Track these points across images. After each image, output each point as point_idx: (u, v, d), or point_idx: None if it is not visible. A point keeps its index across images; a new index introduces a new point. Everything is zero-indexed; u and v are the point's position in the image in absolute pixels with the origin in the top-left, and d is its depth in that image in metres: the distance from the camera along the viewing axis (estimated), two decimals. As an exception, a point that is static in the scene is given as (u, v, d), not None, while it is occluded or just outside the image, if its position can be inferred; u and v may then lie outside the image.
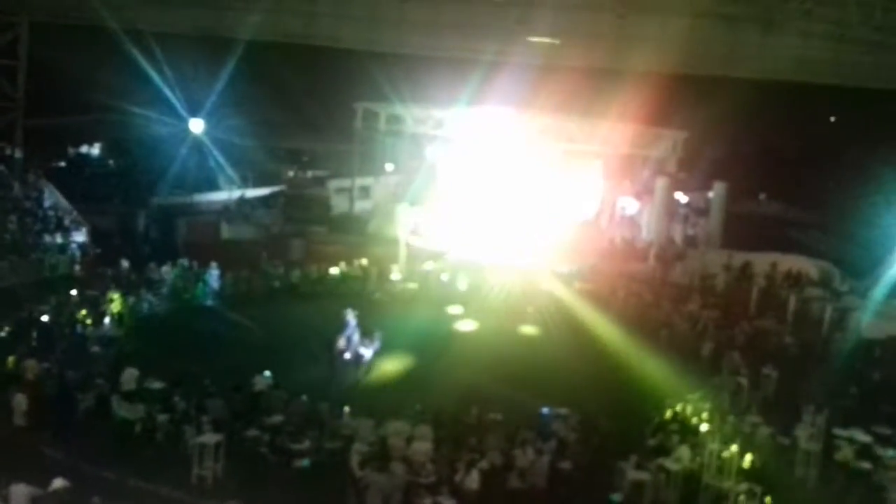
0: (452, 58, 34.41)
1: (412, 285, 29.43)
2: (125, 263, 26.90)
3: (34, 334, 20.15)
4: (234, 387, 17.57)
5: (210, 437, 15.11)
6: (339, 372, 19.90)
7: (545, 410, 17.35)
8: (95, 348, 20.14)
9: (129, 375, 17.48)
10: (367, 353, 20.46)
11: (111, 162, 46.92)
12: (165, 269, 26.81)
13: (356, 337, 20.60)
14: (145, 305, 24.77)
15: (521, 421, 16.91)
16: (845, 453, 16.77)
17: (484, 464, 14.77)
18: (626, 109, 35.48)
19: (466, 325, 26.00)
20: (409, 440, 15.55)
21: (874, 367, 22.67)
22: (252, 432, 16.14)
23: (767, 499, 14.53)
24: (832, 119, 46.04)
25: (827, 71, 30.85)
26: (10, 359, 17.67)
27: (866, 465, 16.43)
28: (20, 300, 22.24)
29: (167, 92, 36.81)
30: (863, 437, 17.50)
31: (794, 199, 43.82)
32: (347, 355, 20.34)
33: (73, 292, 23.66)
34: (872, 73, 29.95)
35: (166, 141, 40.09)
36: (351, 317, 21.02)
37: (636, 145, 39.39)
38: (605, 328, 25.60)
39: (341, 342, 20.43)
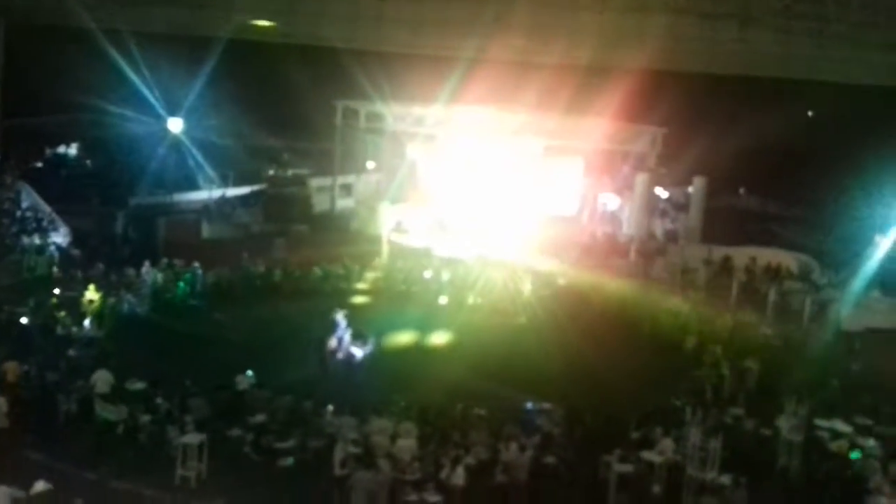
0: (432, 55, 34.42)
1: (395, 283, 29.37)
2: (101, 266, 26.72)
3: (13, 336, 19.92)
4: (216, 386, 17.49)
5: (193, 437, 15.03)
6: (329, 372, 19.80)
7: (529, 405, 17.42)
8: (74, 350, 19.92)
9: (103, 377, 17.26)
10: (358, 353, 20.41)
11: (89, 162, 46.42)
12: (145, 269, 26.59)
13: (347, 337, 20.58)
14: (125, 306, 24.55)
15: (505, 416, 16.96)
16: (840, 444, 16.94)
17: (469, 459, 14.79)
18: (606, 106, 35.57)
19: (449, 322, 25.98)
20: (394, 437, 15.54)
21: (854, 359, 22.91)
22: (235, 432, 16.09)
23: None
24: (810, 114, 46.45)
25: (804, 67, 31.16)
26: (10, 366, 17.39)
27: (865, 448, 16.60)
28: (-2, 302, 21.98)
29: (145, 91, 36.55)
30: (844, 427, 17.68)
31: (773, 194, 44.17)
32: (339, 355, 20.31)
33: (54, 293, 23.44)
34: (850, 69, 30.27)
35: (145, 140, 39.79)
36: (341, 317, 21.03)
37: (616, 141, 39.54)
38: (588, 323, 25.70)
39: (332, 343, 20.43)
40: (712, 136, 39.11)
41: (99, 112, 41.38)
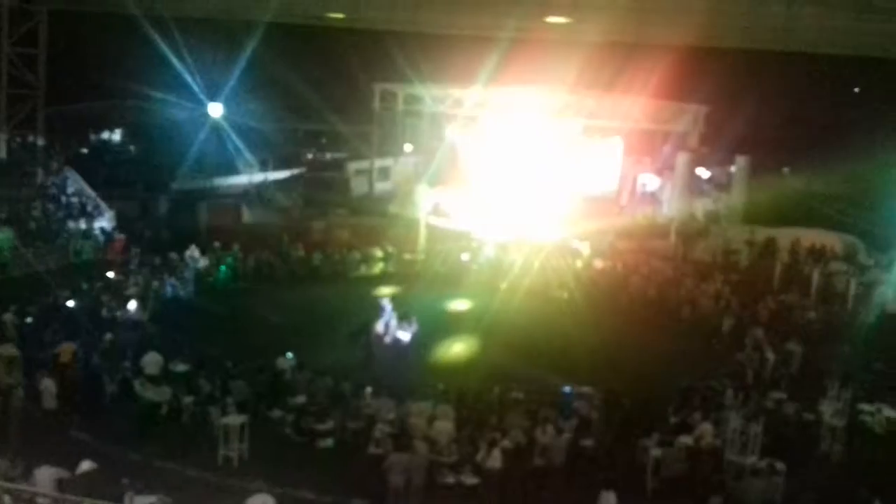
0: (470, 36, 34.23)
1: (433, 265, 29.44)
2: (135, 251, 27.17)
3: (60, 319, 20.40)
4: (257, 368, 17.73)
5: (235, 419, 15.26)
6: (376, 357, 19.97)
7: (567, 389, 17.35)
8: (120, 333, 20.33)
9: (152, 359, 17.68)
10: (405, 336, 20.56)
11: (132, 147, 47.20)
12: (190, 252, 26.99)
13: (393, 322, 20.75)
14: (169, 289, 24.99)
15: (543, 399, 16.93)
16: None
17: (506, 442, 14.81)
18: (646, 84, 35.11)
19: (487, 305, 25.98)
20: (431, 420, 15.62)
21: (900, 342, 22.44)
22: (276, 413, 16.32)
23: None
24: (856, 90, 45.32)
25: (849, 41, 30.40)
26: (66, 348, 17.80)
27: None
28: (46, 286, 22.47)
29: (186, 76, 36.92)
30: (889, 411, 17.34)
31: (818, 172, 43.21)
32: (387, 339, 20.53)
33: (100, 277, 23.93)
34: (895, 43, 29.45)
35: (186, 125, 40.26)
36: (387, 303, 21.29)
37: (656, 120, 39.00)
38: (628, 305, 25.51)
39: (380, 328, 20.69)
40: (755, 114, 38.41)
41: (141, 98, 42.02)
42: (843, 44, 31.03)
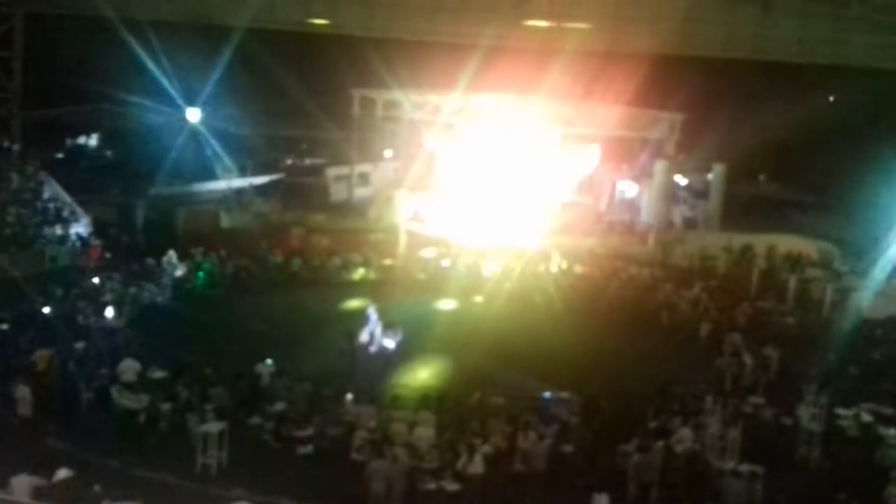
0: (449, 43, 34.34)
1: (412, 271, 29.42)
2: (112, 257, 26.84)
3: (36, 326, 20.13)
4: (236, 375, 17.62)
5: (213, 426, 15.16)
6: (361, 365, 19.79)
7: (547, 394, 17.41)
8: (96, 339, 20.11)
9: (129, 366, 17.50)
10: (390, 344, 20.48)
11: (109, 152, 46.74)
12: (167, 259, 26.78)
13: (378, 330, 20.67)
14: (146, 295, 24.78)
15: (523, 405, 16.96)
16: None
17: (486, 448, 14.82)
18: (624, 92, 35.34)
19: (466, 311, 26.01)
20: (412, 426, 15.59)
21: (875, 347, 22.69)
22: (255, 420, 16.22)
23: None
24: (831, 99, 45.85)
25: (825, 50, 30.84)
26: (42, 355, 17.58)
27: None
28: (21, 292, 22.19)
29: (164, 81, 36.69)
30: (865, 416, 17.54)
31: (794, 180, 43.69)
32: (372, 349, 20.41)
33: (76, 283, 23.68)
34: (871, 53, 29.94)
35: (164, 130, 39.96)
36: (372, 311, 21.15)
37: (634, 128, 39.25)
38: (607, 311, 25.63)
39: (365, 336, 20.53)
40: (731, 123, 38.76)
41: (118, 102, 41.64)
42: (818, 53, 31.49)
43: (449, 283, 28.40)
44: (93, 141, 47.36)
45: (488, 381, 18.23)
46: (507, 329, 23.48)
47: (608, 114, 37.81)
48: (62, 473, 12.14)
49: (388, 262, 30.00)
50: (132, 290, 24.15)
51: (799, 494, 13.78)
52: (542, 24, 30.56)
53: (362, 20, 33.62)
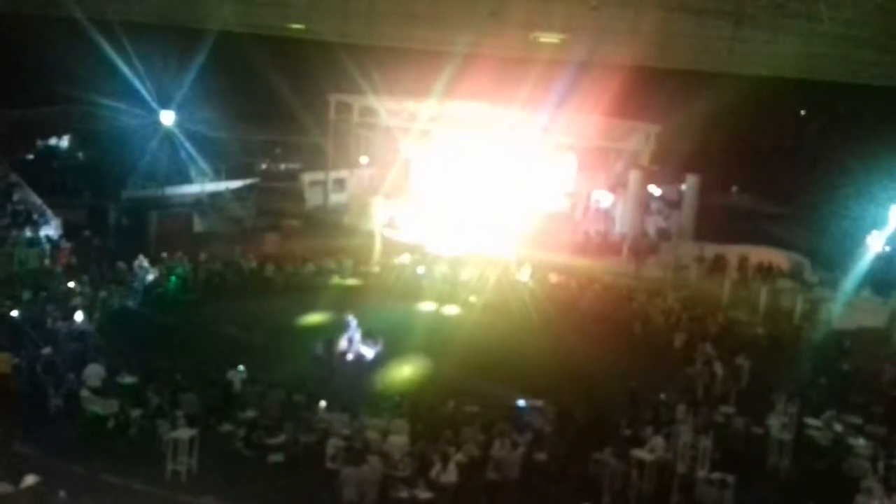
0: (426, 50, 34.36)
1: (387, 279, 29.35)
2: (82, 260, 26.48)
3: (3, 330, 19.81)
4: (207, 381, 17.44)
5: (184, 432, 15.00)
6: (337, 372, 19.68)
7: (521, 403, 17.43)
8: (65, 344, 19.83)
9: (94, 371, 17.28)
10: (369, 353, 20.35)
11: (80, 154, 46.17)
12: (138, 262, 26.47)
13: (357, 337, 20.52)
14: (117, 300, 24.47)
15: (497, 413, 16.96)
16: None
17: (460, 456, 14.79)
18: (600, 102, 35.59)
19: (442, 318, 25.99)
20: (385, 434, 15.53)
21: (844, 358, 22.97)
22: (226, 427, 16.05)
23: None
24: (803, 113, 46.56)
25: (797, 65, 31.24)
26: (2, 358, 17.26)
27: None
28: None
29: (137, 83, 36.32)
30: (834, 426, 17.74)
31: (766, 192, 44.22)
32: (350, 356, 20.26)
33: (45, 286, 23.34)
34: (842, 68, 30.36)
35: (137, 133, 39.52)
36: (352, 318, 21.05)
37: (610, 138, 39.52)
38: (580, 320, 25.73)
39: (343, 343, 20.41)
40: (705, 134, 39.20)
41: (91, 104, 41.15)
42: (790, 67, 31.90)
43: (424, 290, 28.40)
44: (64, 142, 46.75)
45: (462, 389, 18.19)
46: (482, 337, 23.51)
47: (584, 124, 38.06)
48: (29, 480, 11.94)
49: (362, 268, 29.90)
50: (102, 294, 23.83)
51: (769, 503, 13.88)
52: (517, 35, 30.64)
53: (338, 26, 33.54)
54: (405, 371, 20.33)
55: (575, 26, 30.33)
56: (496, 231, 33.30)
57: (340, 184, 41.16)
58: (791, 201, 40.56)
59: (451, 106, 37.66)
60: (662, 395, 18.29)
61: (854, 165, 32.80)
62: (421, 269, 29.45)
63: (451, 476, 14.25)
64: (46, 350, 18.21)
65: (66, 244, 29.16)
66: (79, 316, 21.19)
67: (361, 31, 33.38)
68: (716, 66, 33.11)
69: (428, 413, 16.81)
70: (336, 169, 41.28)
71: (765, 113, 38.55)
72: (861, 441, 17.11)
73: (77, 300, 22.50)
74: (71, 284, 23.87)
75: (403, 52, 34.95)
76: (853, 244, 29.62)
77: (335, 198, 40.50)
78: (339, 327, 21.09)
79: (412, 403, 17.07)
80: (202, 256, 28.39)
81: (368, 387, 18.91)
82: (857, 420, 18.36)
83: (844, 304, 26.51)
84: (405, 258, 30.41)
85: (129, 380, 17.49)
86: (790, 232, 35.16)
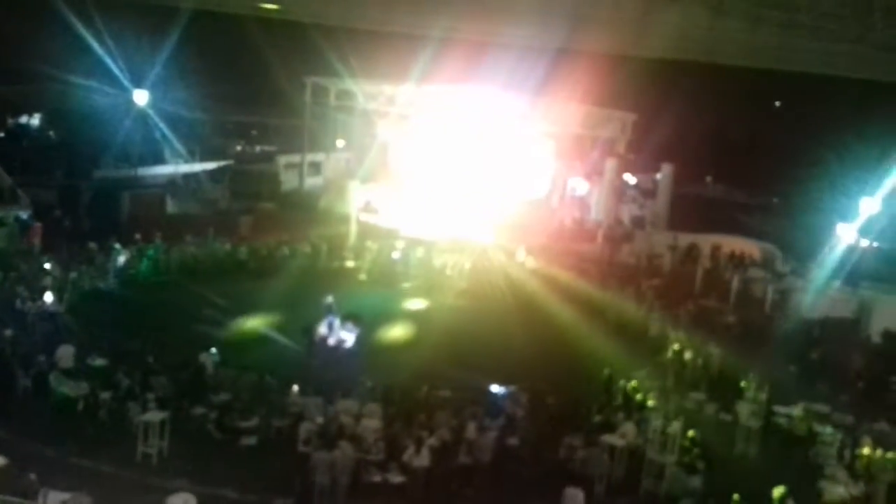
0: (404, 34, 34.16)
1: (362, 263, 29.27)
2: (53, 241, 26.11)
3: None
4: (179, 364, 17.32)
5: (155, 415, 14.89)
6: (317, 359, 19.42)
7: (494, 388, 17.49)
8: (35, 324, 19.59)
9: (66, 352, 17.11)
10: (349, 337, 20.18)
11: (52, 133, 45.50)
12: (110, 243, 26.14)
13: (337, 323, 20.35)
14: (87, 281, 24.19)
15: (470, 398, 17.02)
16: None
17: (433, 441, 14.82)
18: (577, 89, 35.63)
19: (417, 303, 25.98)
20: (358, 418, 15.53)
21: (812, 347, 23.30)
22: (198, 410, 15.96)
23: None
24: (777, 104, 46.95)
25: (774, 56, 31.45)
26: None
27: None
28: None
29: (110, 62, 35.79)
30: (801, 414, 17.99)
31: (739, 182, 44.67)
32: (331, 341, 20.02)
33: (15, 267, 23.02)
34: (818, 59, 30.61)
35: (110, 112, 38.95)
36: (331, 302, 20.82)
37: (586, 126, 39.60)
38: (555, 307, 25.84)
39: (322, 329, 20.08)
40: (680, 124, 39.41)
41: (63, 82, 40.47)
42: (766, 58, 32.12)
43: (399, 275, 28.36)
44: (35, 121, 46.06)
45: (436, 374, 18.21)
46: (456, 322, 23.54)
47: (562, 111, 38.09)
48: (-3, 461, 11.83)
49: (337, 252, 29.79)
50: (73, 275, 23.55)
51: (738, 489, 14.04)
52: (495, 19, 30.55)
53: (316, 8, 33.23)
54: (379, 356, 20.29)
55: (554, 13, 30.31)
56: (472, 216, 33.30)
57: (316, 167, 40.92)
58: (764, 192, 40.99)
59: (429, 90, 37.50)
60: (634, 382, 18.43)
61: (827, 157, 33.17)
62: (396, 254, 29.39)
63: (423, 460, 14.29)
64: (7, 333, 17.92)
65: (36, 224, 28.75)
66: (48, 297, 20.93)
67: (339, 13, 33.11)
68: (693, 56, 33.26)
69: (401, 397, 16.83)
70: (312, 152, 41.02)
71: (740, 104, 38.81)
72: (828, 429, 17.36)
73: (47, 281, 22.21)
74: (41, 265, 23.55)
75: (381, 36, 34.72)
76: (824, 235, 29.98)
77: (311, 181, 40.27)
78: (313, 311, 20.89)
79: (386, 388, 17.06)
80: (175, 238, 28.12)
81: (342, 370, 18.82)
82: (825, 408, 18.64)
83: (814, 294, 26.85)
84: (381, 243, 30.31)
85: (99, 362, 17.34)
86: (762, 222, 35.59)
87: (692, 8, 29.43)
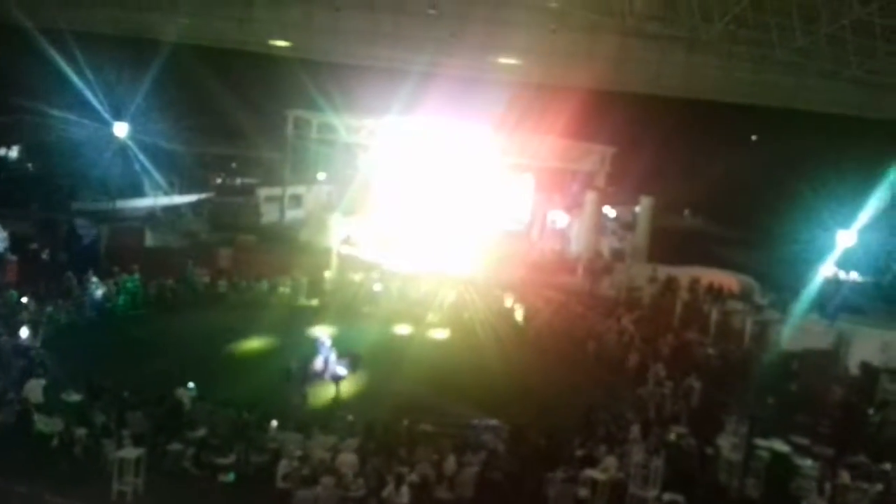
0: (386, 68, 34.45)
1: (343, 296, 29.14)
2: (29, 274, 25.86)
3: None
4: (156, 399, 17.09)
5: (130, 452, 14.65)
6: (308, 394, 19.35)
7: (475, 422, 17.39)
8: (10, 359, 19.27)
9: (35, 386, 16.86)
10: (344, 372, 20.13)
11: (30, 165, 45.24)
12: (87, 276, 25.87)
13: (332, 357, 20.30)
14: (64, 315, 23.88)
15: (451, 432, 16.90)
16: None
17: (413, 476, 14.69)
18: (557, 123, 35.98)
19: (398, 336, 25.87)
20: (336, 452, 15.35)
21: (791, 379, 23.37)
22: (175, 446, 15.73)
23: None
24: (753, 138, 47.57)
25: (749, 91, 31.99)
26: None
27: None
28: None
29: (89, 94, 35.72)
30: (781, 447, 18.00)
31: (717, 215, 45.05)
32: (326, 377, 19.99)
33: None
34: (792, 94, 31.17)
35: (89, 144, 38.84)
36: (325, 338, 20.83)
37: (566, 159, 39.93)
38: (535, 340, 25.82)
39: (318, 364, 20.10)
40: (659, 157, 39.83)
41: (41, 115, 40.38)
42: (742, 93, 32.67)
43: (380, 308, 28.25)
44: (13, 153, 45.79)
45: (417, 408, 18.10)
46: (437, 355, 23.46)
47: (541, 145, 38.40)
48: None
49: (318, 285, 29.65)
50: (49, 309, 23.26)
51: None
52: (477, 56, 30.95)
53: (299, 42, 33.47)
54: (360, 389, 20.14)
55: (533, 49, 30.72)
56: (453, 249, 33.33)
57: (297, 200, 40.89)
58: (741, 225, 41.32)
59: (411, 124, 37.74)
60: (615, 415, 18.39)
61: (803, 190, 33.54)
62: (378, 287, 29.31)
63: (403, 497, 14.14)
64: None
65: (12, 257, 28.44)
66: (24, 332, 20.64)
67: (322, 47, 33.37)
68: (670, 91, 33.77)
69: (382, 432, 16.68)
70: (293, 184, 41.01)
71: (717, 138, 39.27)
72: (808, 462, 17.37)
73: (22, 315, 21.91)
74: (16, 299, 23.24)
75: (364, 70, 34.99)
76: (802, 268, 30.21)
77: (291, 214, 40.20)
78: (293, 345, 20.78)
79: (367, 422, 16.92)
80: (154, 271, 27.88)
81: (321, 405, 18.66)
82: (805, 441, 18.66)
83: (793, 326, 26.97)
84: (361, 275, 30.23)
85: (74, 397, 17.08)
86: (740, 255, 35.80)
87: (668, 44, 29.95)
